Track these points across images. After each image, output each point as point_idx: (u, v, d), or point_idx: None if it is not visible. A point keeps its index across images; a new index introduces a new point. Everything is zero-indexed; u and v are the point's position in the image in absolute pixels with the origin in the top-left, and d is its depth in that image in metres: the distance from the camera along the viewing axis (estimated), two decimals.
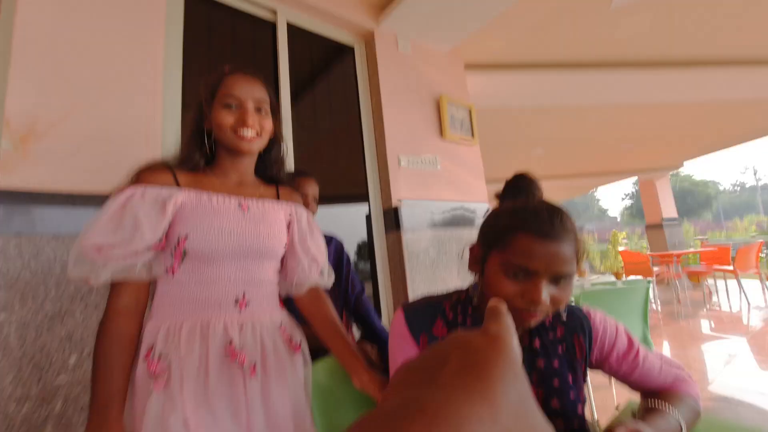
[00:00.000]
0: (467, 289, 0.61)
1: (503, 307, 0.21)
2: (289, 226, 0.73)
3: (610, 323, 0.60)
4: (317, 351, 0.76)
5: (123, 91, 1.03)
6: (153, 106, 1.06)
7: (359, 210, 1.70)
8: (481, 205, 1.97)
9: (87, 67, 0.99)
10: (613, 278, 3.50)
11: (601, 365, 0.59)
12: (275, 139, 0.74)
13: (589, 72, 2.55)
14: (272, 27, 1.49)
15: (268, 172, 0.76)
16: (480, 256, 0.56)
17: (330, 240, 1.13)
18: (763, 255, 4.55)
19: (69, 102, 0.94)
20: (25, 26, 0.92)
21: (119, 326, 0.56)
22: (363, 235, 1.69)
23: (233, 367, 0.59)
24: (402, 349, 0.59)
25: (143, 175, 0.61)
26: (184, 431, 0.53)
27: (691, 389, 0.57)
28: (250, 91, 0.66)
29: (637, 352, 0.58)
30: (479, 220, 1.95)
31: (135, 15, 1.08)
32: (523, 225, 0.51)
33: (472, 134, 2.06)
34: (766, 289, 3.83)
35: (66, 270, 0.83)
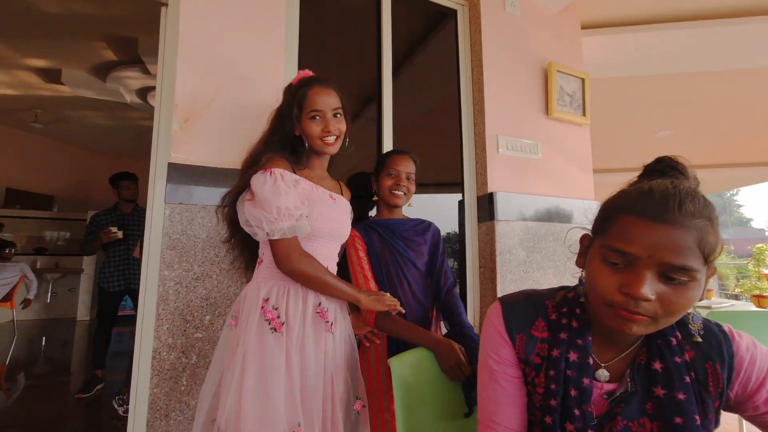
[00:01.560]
0: (575, 287, 0.64)
1: None
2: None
3: (762, 352, 0.55)
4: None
5: (253, 76, 1.34)
6: (275, 89, 1.34)
7: (451, 197, 1.87)
8: (586, 203, 2.02)
9: (227, 55, 1.32)
10: (751, 306, 3.18)
11: (742, 406, 0.55)
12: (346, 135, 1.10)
13: (748, 22, 2.32)
14: None
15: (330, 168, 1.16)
16: (586, 247, 0.59)
17: (428, 226, 1.31)
18: None
19: (215, 87, 1.27)
20: (187, 24, 1.26)
21: (314, 261, 0.94)
22: (453, 225, 1.87)
23: (321, 322, 0.95)
24: (495, 347, 0.64)
25: (274, 163, 0.93)
26: (287, 365, 0.87)
27: None
28: (328, 102, 1.00)
29: None
30: (581, 219, 2.03)
31: (261, 8, 1.38)
32: (628, 205, 0.52)
33: (584, 111, 2.08)
34: None
35: (208, 236, 1.16)
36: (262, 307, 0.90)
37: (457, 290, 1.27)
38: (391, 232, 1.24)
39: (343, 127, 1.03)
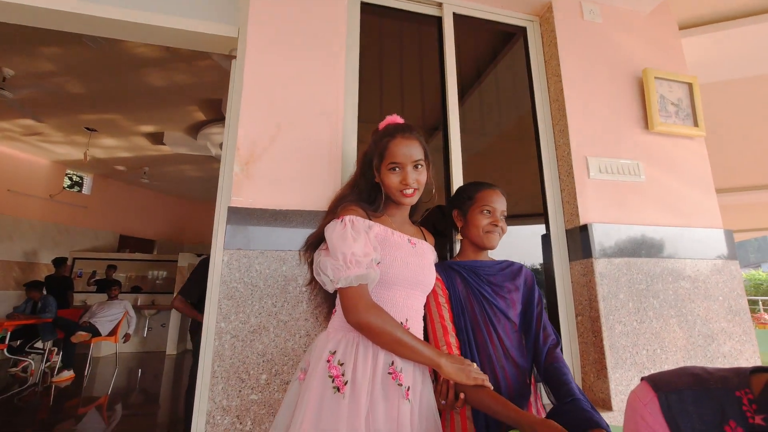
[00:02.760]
0: None
1: None
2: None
3: None
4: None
5: (312, 115, 1.30)
6: (335, 127, 1.30)
7: (530, 230, 1.61)
8: (713, 232, 1.59)
9: (287, 96, 1.30)
10: None
11: None
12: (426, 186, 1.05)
13: None
14: (438, 21, 1.61)
15: (413, 215, 1.12)
16: None
17: (519, 269, 1.08)
18: None
19: (275, 128, 1.25)
20: (251, 70, 1.28)
21: (385, 314, 0.84)
22: (534, 263, 1.59)
23: (393, 385, 0.82)
24: None
25: (347, 211, 0.91)
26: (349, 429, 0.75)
27: None
28: (409, 155, 0.96)
29: None
30: (708, 252, 1.60)
31: (322, 42, 1.37)
32: None
33: (695, 121, 1.71)
34: None
35: (265, 284, 1.07)
36: (328, 360, 0.83)
37: (559, 349, 0.99)
38: (476, 275, 1.03)
39: (423, 178, 0.99)
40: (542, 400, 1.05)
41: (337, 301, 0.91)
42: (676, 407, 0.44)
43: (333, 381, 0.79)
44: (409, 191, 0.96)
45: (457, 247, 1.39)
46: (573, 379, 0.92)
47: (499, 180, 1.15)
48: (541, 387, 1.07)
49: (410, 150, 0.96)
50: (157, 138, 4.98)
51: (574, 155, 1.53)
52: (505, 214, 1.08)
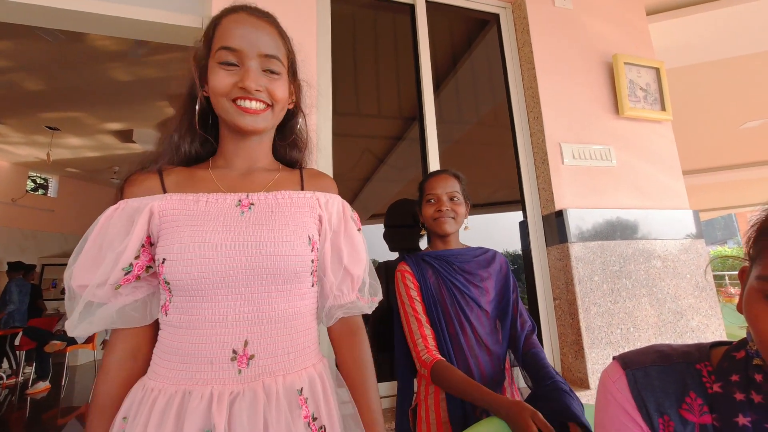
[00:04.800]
0: (741, 342, 0.47)
1: None
2: (319, 224, 0.62)
3: None
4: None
5: None
6: (308, 120, 1.25)
7: (508, 218, 1.64)
8: (681, 213, 1.66)
9: None
10: None
11: None
12: (294, 111, 0.68)
13: None
14: (411, 9, 1.59)
15: (285, 154, 0.69)
16: (744, 282, 0.44)
17: (493, 256, 1.09)
18: None
19: None
20: None
21: (104, 388, 0.52)
22: (513, 249, 1.62)
23: None
24: (621, 430, 0.47)
25: (125, 186, 0.57)
26: None
27: None
28: (255, 42, 0.56)
29: None
30: (675, 233, 1.67)
31: (291, 33, 1.31)
32: None
33: (662, 105, 1.76)
34: None
35: None
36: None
37: (535, 336, 1.02)
38: (448, 265, 1.04)
39: (280, 91, 0.59)
40: (517, 384, 1.09)
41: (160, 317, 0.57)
42: (642, 383, 0.47)
43: None
44: (252, 105, 0.57)
45: None
46: (550, 364, 0.94)
47: (476, 168, 1.16)
48: (516, 372, 1.10)
49: (259, 35, 0.57)
50: (125, 136, 4.77)
51: (549, 142, 1.55)
52: (458, 195, 1.06)
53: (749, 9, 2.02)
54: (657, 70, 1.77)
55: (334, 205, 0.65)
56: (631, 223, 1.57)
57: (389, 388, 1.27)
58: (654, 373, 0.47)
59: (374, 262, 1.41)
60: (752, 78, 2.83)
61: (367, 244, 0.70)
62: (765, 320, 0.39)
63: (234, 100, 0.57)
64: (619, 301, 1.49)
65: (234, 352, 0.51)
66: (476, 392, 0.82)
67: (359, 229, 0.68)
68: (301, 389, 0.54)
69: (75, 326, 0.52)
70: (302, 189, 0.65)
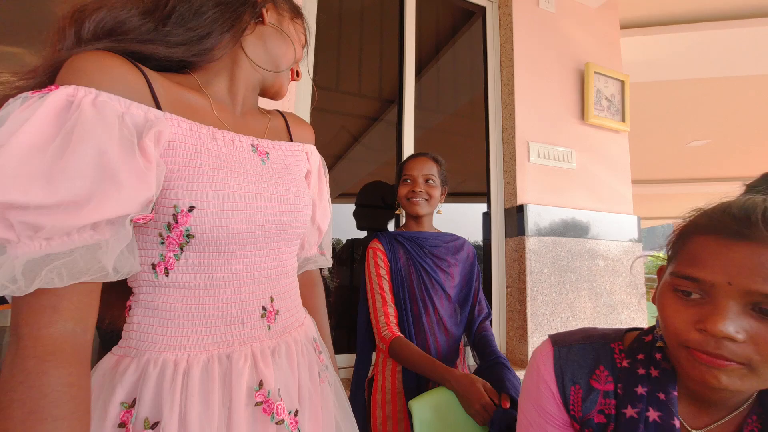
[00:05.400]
0: (651, 329, 0.54)
1: None
2: (307, 178, 0.60)
3: None
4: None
5: None
6: (288, 93, 1.22)
7: (474, 208, 1.71)
8: (627, 217, 1.83)
9: None
10: None
11: None
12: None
13: None
14: None
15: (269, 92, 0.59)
16: (660, 278, 0.50)
17: (462, 244, 1.15)
18: None
19: None
20: None
21: (50, 374, 0.32)
22: (476, 238, 1.71)
23: (268, 424, 0.45)
24: (539, 399, 0.54)
25: (90, 65, 0.38)
26: None
27: None
28: None
29: None
30: (619, 235, 1.84)
31: None
32: (702, 223, 0.44)
33: (623, 116, 1.90)
34: None
35: None
36: (122, 424, 0.40)
37: (489, 321, 1.11)
38: (419, 247, 1.09)
39: None
40: (467, 362, 1.19)
41: (136, 298, 0.46)
42: (564, 358, 0.54)
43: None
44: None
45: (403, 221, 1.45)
46: (496, 345, 1.05)
47: (448, 158, 1.20)
48: (468, 351, 1.20)
49: None
50: None
51: (518, 140, 1.63)
52: (434, 179, 1.10)
53: (709, 36, 2.20)
54: (622, 82, 1.90)
55: (317, 158, 0.64)
56: (582, 222, 1.71)
57: (349, 359, 1.33)
58: (576, 349, 0.54)
59: (339, 241, 1.43)
60: (702, 100, 3.10)
61: (333, 219, 0.71)
62: (670, 309, 0.45)
63: None
64: (563, 293, 1.64)
65: (263, 309, 0.50)
66: (431, 367, 0.90)
67: (327, 183, 0.68)
68: (314, 337, 0.59)
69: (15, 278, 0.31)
70: (291, 140, 0.60)
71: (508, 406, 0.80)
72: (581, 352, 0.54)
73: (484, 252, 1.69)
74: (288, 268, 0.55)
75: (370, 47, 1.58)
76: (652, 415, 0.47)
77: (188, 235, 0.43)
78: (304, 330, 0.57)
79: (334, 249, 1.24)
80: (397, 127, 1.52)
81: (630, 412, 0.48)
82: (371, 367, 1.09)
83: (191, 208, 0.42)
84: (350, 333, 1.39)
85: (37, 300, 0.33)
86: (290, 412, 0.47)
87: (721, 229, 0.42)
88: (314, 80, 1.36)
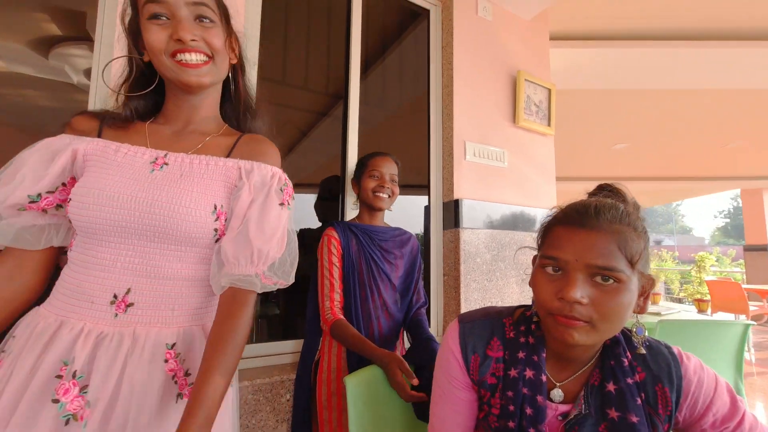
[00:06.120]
0: (532, 305, 0.64)
1: None
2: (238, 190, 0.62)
3: (709, 375, 0.56)
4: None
5: None
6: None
7: (416, 201, 1.83)
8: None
9: None
10: (693, 309, 3.49)
11: (690, 429, 0.56)
12: (237, 67, 0.69)
13: (708, 46, 2.46)
14: None
15: (239, 123, 0.70)
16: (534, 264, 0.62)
17: (408, 239, 1.26)
18: None
19: None
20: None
21: None
22: (418, 229, 1.83)
23: (47, 401, 0.47)
24: (448, 367, 0.64)
25: (69, 123, 0.61)
26: None
27: None
28: None
29: (742, 418, 0.54)
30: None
31: None
32: (558, 217, 0.58)
33: (549, 121, 2.12)
34: None
35: None
36: None
37: (425, 308, 1.24)
38: (370, 239, 1.18)
39: (216, 40, 0.61)
40: (405, 344, 1.30)
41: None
42: (468, 332, 0.64)
43: None
44: (191, 57, 0.58)
45: (347, 212, 1.53)
46: (428, 327, 1.18)
47: (392, 152, 1.29)
48: (406, 334, 1.32)
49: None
50: None
51: (456, 139, 1.76)
52: (396, 179, 1.21)
53: (628, 53, 2.50)
54: (549, 90, 2.11)
55: (259, 173, 0.62)
56: (510, 216, 1.90)
57: (296, 345, 1.40)
58: (477, 324, 0.64)
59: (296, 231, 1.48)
60: (624, 109, 3.49)
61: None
62: (539, 285, 0.56)
63: (173, 56, 0.58)
64: (493, 280, 1.82)
65: (114, 296, 0.54)
66: (362, 346, 1.00)
67: (282, 204, 0.62)
68: (173, 344, 0.56)
69: None
70: (228, 156, 0.63)
71: (416, 383, 0.91)
72: (481, 326, 0.64)
73: (424, 242, 1.82)
74: (166, 271, 0.57)
75: (316, 42, 1.61)
76: (528, 373, 0.59)
77: (70, 221, 0.57)
78: (165, 333, 0.56)
79: None
80: (343, 123, 1.58)
81: (513, 373, 0.60)
82: (318, 350, 1.17)
83: (69, 200, 0.56)
84: (296, 319, 1.46)
85: None
86: (85, 405, 0.48)
87: (570, 221, 0.56)
88: (260, 74, 1.37)
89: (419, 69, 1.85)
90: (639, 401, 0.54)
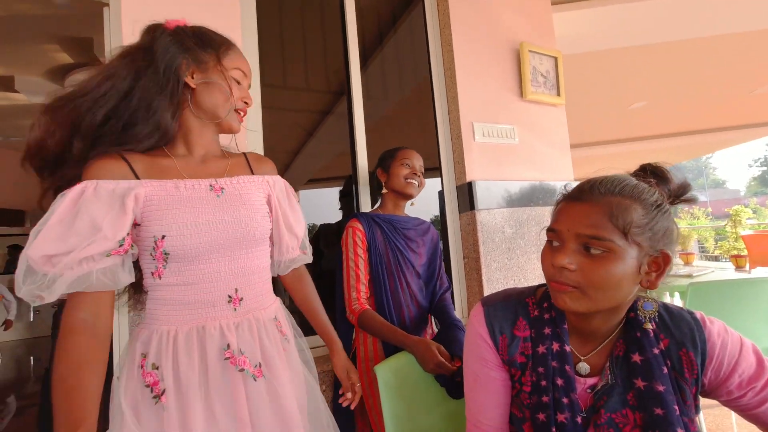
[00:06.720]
0: None
1: None
2: (269, 201, 0.79)
3: (733, 337, 0.57)
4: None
5: None
6: None
7: (430, 186, 1.84)
8: (566, 184, 2.01)
9: None
10: (730, 266, 3.33)
11: (717, 391, 0.56)
12: None
13: None
14: None
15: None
16: None
17: (428, 228, 1.29)
18: None
19: None
20: (130, 25, 1.17)
21: (77, 345, 0.57)
22: (433, 214, 1.84)
23: (234, 372, 0.66)
24: (478, 350, 0.66)
25: (92, 168, 0.63)
26: None
27: None
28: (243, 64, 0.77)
29: None
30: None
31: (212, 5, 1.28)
32: (565, 194, 0.62)
33: (558, 91, 2.06)
34: None
35: None
36: (141, 366, 0.65)
37: (450, 293, 1.27)
38: (393, 228, 1.21)
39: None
40: (434, 328, 1.34)
41: (147, 294, 0.70)
42: (492, 314, 0.66)
43: (151, 390, 0.63)
44: (241, 106, 0.76)
45: (362, 205, 1.55)
46: (454, 312, 1.21)
47: (400, 142, 1.31)
48: (433, 319, 1.35)
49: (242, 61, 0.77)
50: (5, 84, 4.01)
51: (463, 121, 1.75)
52: (422, 171, 1.25)
53: (637, 7, 2.37)
54: (555, 59, 2.04)
55: (279, 184, 0.83)
56: (526, 192, 1.88)
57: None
58: (500, 306, 0.67)
59: (314, 225, 1.54)
60: (638, 66, 3.33)
61: (304, 204, 0.89)
62: (542, 257, 0.60)
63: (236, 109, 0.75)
64: (513, 258, 1.82)
65: (229, 297, 0.71)
66: (392, 334, 1.03)
67: (297, 202, 0.88)
68: (275, 317, 0.78)
69: (51, 291, 0.58)
70: (251, 173, 0.80)
71: (459, 364, 0.94)
72: (505, 308, 0.66)
73: (441, 227, 1.83)
74: (253, 268, 0.75)
75: (313, 41, 1.62)
76: (555, 346, 0.61)
77: (166, 253, 0.66)
78: (268, 311, 0.77)
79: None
80: (348, 119, 1.59)
81: (541, 349, 0.62)
82: (352, 341, 1.21)
83: (163, 237, 0.65)
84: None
85: (69, 299, 0.60)
86: (255, 366, 0.69)
87: (570, 196, 0.60)
88: (261, 80, 1.40)
89: (419, 54, 1.83)
90: (665, 370, 0.55)
